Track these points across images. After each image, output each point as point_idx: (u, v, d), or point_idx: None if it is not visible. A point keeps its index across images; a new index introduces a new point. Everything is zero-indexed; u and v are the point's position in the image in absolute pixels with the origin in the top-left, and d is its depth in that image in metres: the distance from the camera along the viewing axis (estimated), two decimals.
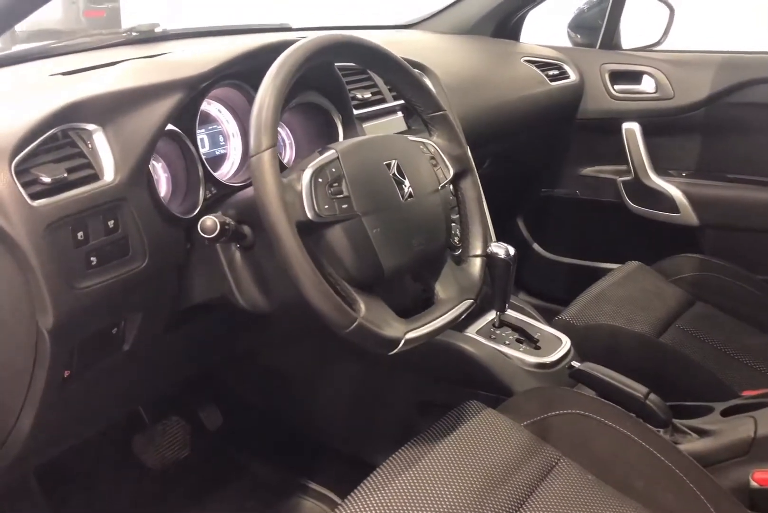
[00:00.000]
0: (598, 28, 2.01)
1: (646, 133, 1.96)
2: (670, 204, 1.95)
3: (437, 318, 0.93)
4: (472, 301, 0.99)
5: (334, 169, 0.85)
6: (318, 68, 1.04)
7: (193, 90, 0.91)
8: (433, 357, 1.30)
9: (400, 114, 1.33)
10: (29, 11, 0.84)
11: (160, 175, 0.97)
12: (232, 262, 0.94)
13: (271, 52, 0.95)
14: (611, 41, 2.00)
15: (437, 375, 1.33)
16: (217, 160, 1.08)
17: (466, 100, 1.54)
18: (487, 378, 1.27)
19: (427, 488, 0.93)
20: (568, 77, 1.93)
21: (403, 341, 0.87)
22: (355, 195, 0.85)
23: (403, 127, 1.34)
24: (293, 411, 1.57)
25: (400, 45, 1.45)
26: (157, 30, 1.38)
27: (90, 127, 0.84)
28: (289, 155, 1.19)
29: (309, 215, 0.82)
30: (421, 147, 0.99)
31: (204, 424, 1.53)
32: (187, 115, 0.95)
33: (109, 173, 0.83)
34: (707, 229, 1.94)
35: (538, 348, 1.31)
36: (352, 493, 0.92)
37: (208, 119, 1.07)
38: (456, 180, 1.03)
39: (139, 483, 1.41)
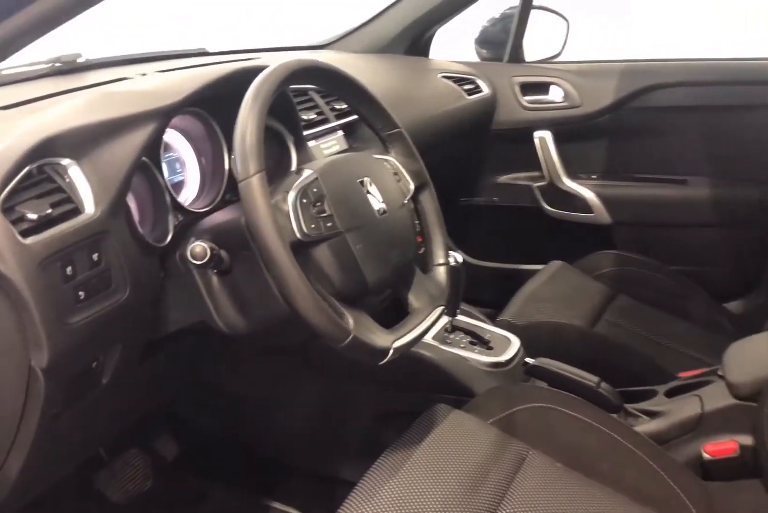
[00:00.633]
0: (502, 43, 2.11)
1: (558, 140, 2.06)
2: (583, 205, 2.06)
3: (417, 325, 0.97)
4: (443, 307, 1.04)
5: (315, 189, 0.88)
6: None
7: (166, 119, 0.92)
8: (393, 366, 1.34)
9: (341, 133, 1.37)
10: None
11: (130, 205, 0.98)
12: (210, 286, 0.95)
13: (235, 79, 0.98)
14: (518, 55, 2.10)
15: (399, 383, 1.37)
16: (176, 188, 1.08)
17: None
18: (447, 381, 1.32)
19: (414, 494, 0.96)
20: (481, 91, 2.02)
21: (392, 350, 0.91)
22: (337, 213, 0.89)
23: (345, 146, 1.38)
24: (252, 433, 1.57)
25: None
26: (80, 60, 1.37)
27: (64, 161, 0.83)
28: None
29: (298, 235, 0.85)
30: (385, 163, 1.03)
31: (162, 455, 1.51)
32: (153, 145, 0.96)
33: (89, 206, 0.83)
34: (620, 227, 2.06)
35: (490, 349, 1.38)
36: (342, 508, 0.94)
37: (165, 147, 1.07)
38: (416, 194, 1.08)
39: None
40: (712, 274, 1.99)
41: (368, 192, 0.95)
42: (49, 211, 0.79)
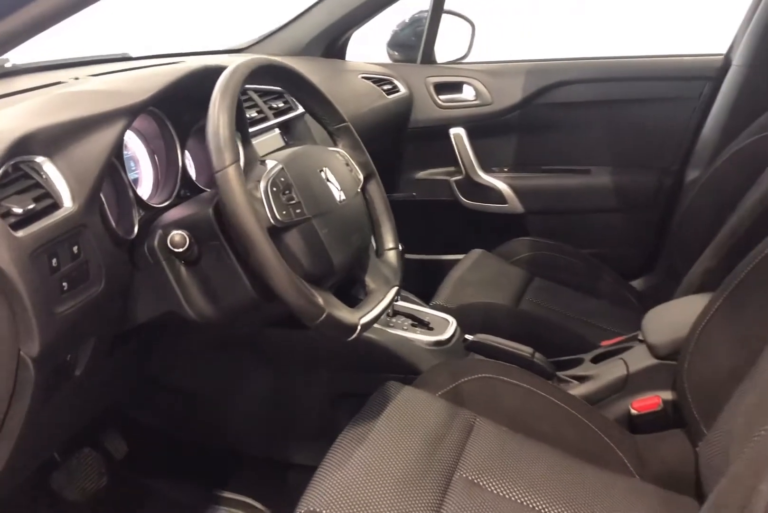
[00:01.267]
0: (413, 46, 2.22)
1: (471, 136, 2.18)
2: (498, 196, 2.19)
3: (377, 304, 1.05)
4: (397, 287, 1.12)
5: (283, 179, 0.94)
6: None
7: (133, 117, 0.96)
8: (343, 350, 1.41)
9: (278, 130, 1.43)
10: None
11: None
12: (179, 277, 0.98)
13: (195, 78, 1.03)
14: (430, 56, 2.21)
15: (348, 366, 1.44)
16: (133, 185, 1.12)
17: None
18: (395, 361, 1.40)
19: (377, 464, 1.02)
20: (399, 91, 2.11)
21: (359, 326, 0.98)
22: (304, 200, 0.95)
23: (282, 142, 1.44)
24: (202, 427, 1.59)
25: None
26: (7, 65, 1.37)
27: (38, 158, 0.85)
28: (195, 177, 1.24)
29: (272, 221, 0.90)
30: (337, 155, 1.11)
31: (112, 454, 1.51)
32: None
33: (67, 201, 0.85)
34: (533, 215, 2.21)
35: (431, 329, 1.47)
36: (312, 483, 0.99)
37: None
38: (365, 183, 1.15)
39: None
40: (617, 255, 2.15)
41: (328, 181, 1.02)
42: (33, 205, 0.81)
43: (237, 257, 0.96)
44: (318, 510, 0.94)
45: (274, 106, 1.43)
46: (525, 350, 1.42)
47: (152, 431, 1.61)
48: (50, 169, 0.86)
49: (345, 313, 0.96)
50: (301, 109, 1.47)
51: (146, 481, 1.55)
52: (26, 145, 0.84)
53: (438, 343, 1.43)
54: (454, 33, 2.23)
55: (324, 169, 1.03)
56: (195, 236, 0.96)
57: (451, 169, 2.25)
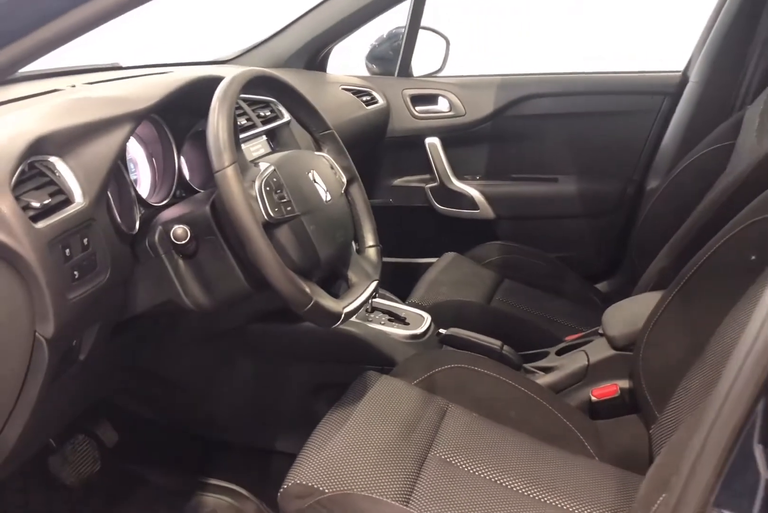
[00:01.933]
0: (390, 60, 2.32)
1: (446, 146, 2.28)
2: (470, 203, 2.29)
3: (359, 296, 1.14)
4: (377, 281, 1.22)
5: (275, 179, 1.04)
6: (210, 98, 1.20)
7: (138, 121, 1.05)
8: (325, 342, 1.50)
9: (265, 137, 1.53)
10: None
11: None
12: (177, 269, 1.07)
13: (194, 87, 1.12)
14: (407, 70, 2.32)
15: (329, 358, 1.52)
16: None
17: None
18: (373, 353, 1.49)
19: (357, 446, 1.10)
20: (377, 102, 2.21)
21: (343, 315, 1.07)
22: (294, 199, 1.05)
23: (269, 149, 1.53)
24: (188, 416, 1.66)
25: None
26: None
27: (52, 158, 0.93)
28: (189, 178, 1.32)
29: (266, 217, 1.00)
30: (323, 159, 1.20)
31: (103, 442, 1.58)
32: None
33: (78, 197, 0.93)
34: (503, 220, 2.31)
35: (407, 324, 1.57)
36: (295, 464, 1.07)
37: None
38: (348, 186, 1.25)
39: (70, 502, 1.45)
40: (583, 259, 2.27)
41: (315, 182, 1.12)
42: (49, 200, 0.89)
43: (231, 251, 1.06)
44: (303, 482, 1.03)
45: (262, 114, 1.51)
46: (494, 343, 1.52)
47: (141, 420, 1.67)
48: (63, 168, 0.93)
49: (330, 302, 1.05)
50: (286, 118, 1.55)
51: (135, 467, 1.61)
52: (41, 145, 0.91)
53: (413, 337, 1.53)
54: (430, 48, 2.35)
55: (312, 171, 1.12)
56: (193, 231, 1.05)
57: (426, 176, 2.34)
